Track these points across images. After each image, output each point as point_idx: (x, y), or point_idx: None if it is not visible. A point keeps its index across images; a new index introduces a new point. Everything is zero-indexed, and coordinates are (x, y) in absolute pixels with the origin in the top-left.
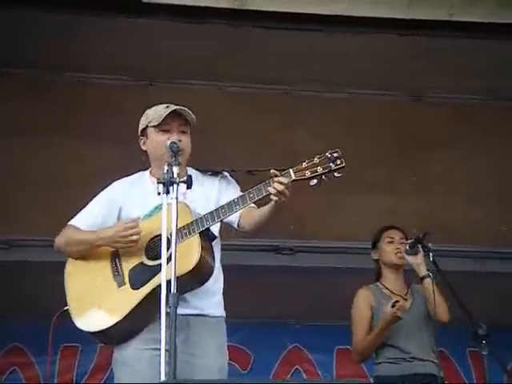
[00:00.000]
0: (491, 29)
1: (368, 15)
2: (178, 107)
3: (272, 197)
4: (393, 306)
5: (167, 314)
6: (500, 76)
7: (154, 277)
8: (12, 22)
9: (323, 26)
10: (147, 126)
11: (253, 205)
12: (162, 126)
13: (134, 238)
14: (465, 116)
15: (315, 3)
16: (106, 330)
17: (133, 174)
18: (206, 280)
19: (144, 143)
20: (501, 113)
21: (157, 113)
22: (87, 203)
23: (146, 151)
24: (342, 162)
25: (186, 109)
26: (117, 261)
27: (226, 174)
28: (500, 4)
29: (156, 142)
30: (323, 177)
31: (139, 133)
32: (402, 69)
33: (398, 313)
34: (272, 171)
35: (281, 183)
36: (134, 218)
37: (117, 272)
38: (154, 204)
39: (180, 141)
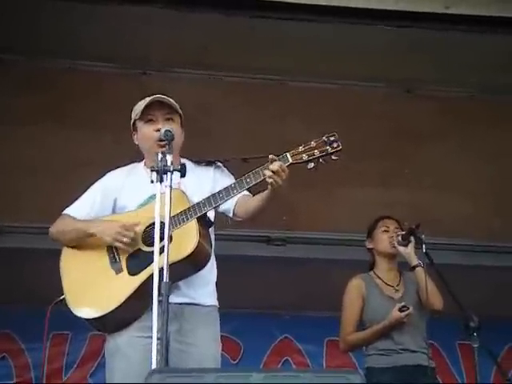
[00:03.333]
0: (487, 22)
1: (362, 6)
2: (157, 96)
3: (267, 179)
4: (401, 311)
5: (159, 302)
6: (494, 70)
7: (152, 263)
8: (7, 9)
9: (317, 17)
10: (135, 120)
11: (248, 193)
12: (146, 117)
13: (124, 240)
14: (457, 109)
15: None
16: (103, 316)
17: (125, 163)
18: (203, 266)
19: (136, 138)
20: (494, 107)
21: (140, 105)
22: (79, 191)
23: (138, 145)
24: (338, 145)
25: (166, 97)
26: (114, 248)
27: (219, 164)
28: None
29: (142, 134)
30: (320, 160)
31: (131, 128)
32: (395, 61)
33: (405, 319)
34: (270, 156)
35: (278, 166)
36: (132, 227)
37: (114, 259)
38: (149, 194)
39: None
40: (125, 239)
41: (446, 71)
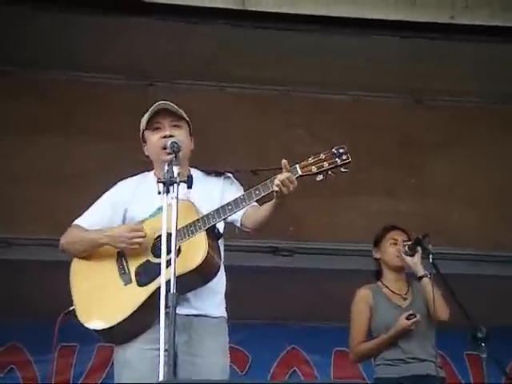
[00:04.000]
0: (492, 32)
1: (369, 17)
2: (163, 103)
3: (274, 187)
4: (408, 319)
5: (167, 314)
6: (500, 79)
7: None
8: (6, 19)
9: (324, 28)
10: (144, 131)
11: (255, 203)
12: (153, 125)
13: (138, 240)
14: (464, 119)
15: (316, 4)
16: (111, 327)
17: (132, 174)
18: (212, 278)
19: (146, 149)
20: (501, 116)
21: (147, 115)
22: (85, 201)
23: (148, 156)
24: (348, 158)
25: (170, 103)
26: (123, 259)
27: (229, 174)
28: (501, 7)
29: (150, 143)
30: (329, 172)
31: (141, 140)
32: (402, 71)
33: (413, 326)
34: (283, 161)
35: (286, 176)
36: (139, 222)
37: (123, 270)
38: (159, 205)
39: (172, 136)
40: (138, 240)
41: (453, 81)
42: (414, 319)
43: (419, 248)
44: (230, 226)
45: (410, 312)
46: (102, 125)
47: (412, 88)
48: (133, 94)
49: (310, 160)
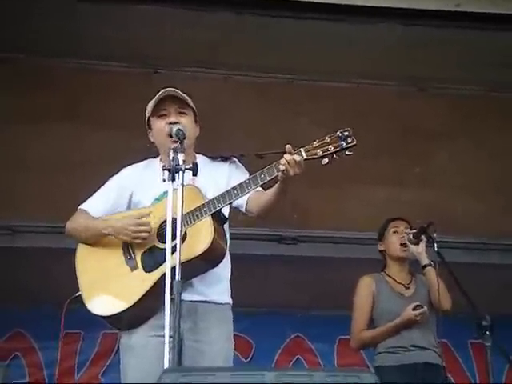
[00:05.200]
0: (497, 20)
1: (373, 4)
2: (169, 89)
3: (281, 167)
4: (414, 310)
5: (172, 300)
6: (505, 67)
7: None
8: (11, 7)
9: (327, 15)
10: (149, 118)
11: (260, 188)
12: (159, 112)
13: (142, 235)
14: (469, 107)
15: None
16: (118, 313)
17: (137, 161)
18: (218, 263)
19: (152, 135)
20: (505, 105)
21: (153, 102)
22: (91, 189)
23: (153, 143)
24: (353, 140)
25: (177, 89)
26: (129, 245)
27: (235, 159)
28: None
29: (156, 130)
30: (334, 155)
31: (146, 126)
32: (406, 59)
33: (419, 317)
34: (287, 146)
35: (289, 157)
36: (146, 222)
37: (129, 256)
38: (164, 189)
39: (177, 122)
40: (143, 234)
41: (457, 69)
42: (421, 310)
43: (424, 236)
44: (234, 210)
45: (418, 303)
46: (107, 112)
47: (416, 76)
48: (138, 81)
49: (315, 144)
